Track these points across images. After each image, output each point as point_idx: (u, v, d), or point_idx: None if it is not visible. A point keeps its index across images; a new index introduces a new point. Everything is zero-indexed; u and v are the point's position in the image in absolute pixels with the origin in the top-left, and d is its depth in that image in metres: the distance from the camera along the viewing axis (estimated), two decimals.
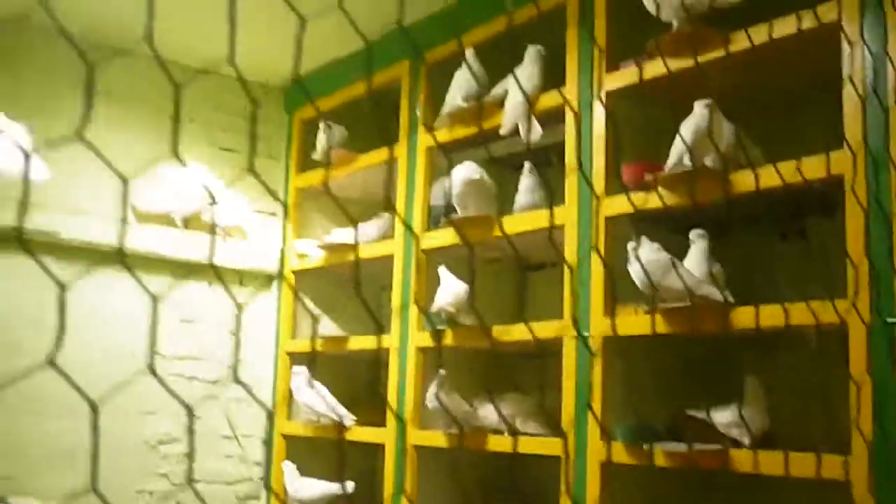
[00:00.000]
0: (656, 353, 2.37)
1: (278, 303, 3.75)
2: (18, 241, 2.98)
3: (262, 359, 3.72)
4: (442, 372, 2.71)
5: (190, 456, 3.67)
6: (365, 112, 3.47)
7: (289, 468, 3.32)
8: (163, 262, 3.48)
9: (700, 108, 2.12)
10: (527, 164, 2.77)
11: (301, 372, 3.35)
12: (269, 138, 3.85)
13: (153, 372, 0.68)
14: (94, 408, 0.63)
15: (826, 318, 1.82)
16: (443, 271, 2.81)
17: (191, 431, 3.64)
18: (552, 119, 2.60)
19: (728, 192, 2.06)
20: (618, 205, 2.32)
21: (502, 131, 2.63)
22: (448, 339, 2.80)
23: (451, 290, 2.77)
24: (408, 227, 3.06)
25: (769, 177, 1.92)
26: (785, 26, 1.98)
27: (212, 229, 3.66)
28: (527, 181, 2.76)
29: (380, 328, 3.29)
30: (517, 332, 2.58)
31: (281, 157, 3.86)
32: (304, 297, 3.65)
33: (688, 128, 2.13)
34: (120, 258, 3.33)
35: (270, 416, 3.76)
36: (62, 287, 0.58)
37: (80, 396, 0.61)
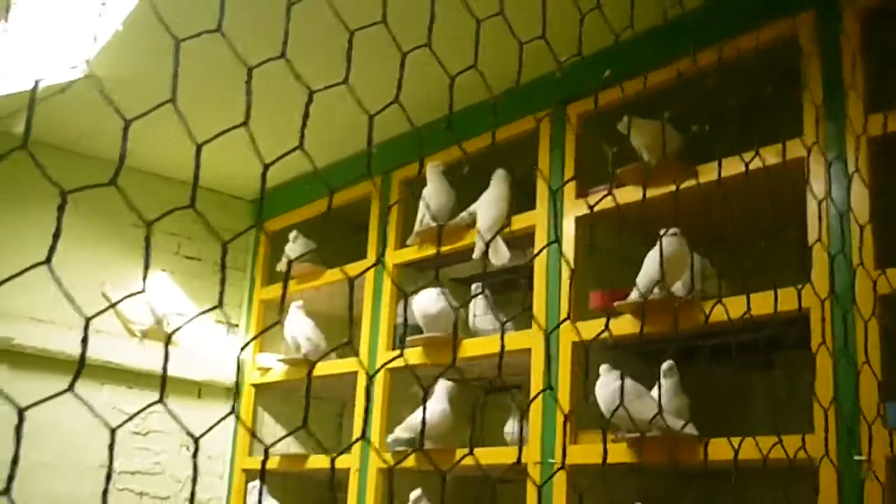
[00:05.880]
0: (627, 483, 2.30)
1: (236, 417, 3.64)
2: None
3: (216, 475, 3.59)
4: (417, 492, 2.63)
5: None
6: (335, 227, 3.46)
7: None
8: (119, 371, 3.39)
9: (666, 238, 2.12)
10: (476, 287, 2.78)
11: (256, 487, 3.24)
12: (235, 249, 3.79)
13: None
14: None
15: (796, 453, 1.78)
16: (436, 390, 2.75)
17: None
18: (522, 241, 2.59)
19: (692, 322, 2.04)
20: (583, 331, 2.30)
21: (474, 255, 2.63)
22: (409, 462, 2.72)
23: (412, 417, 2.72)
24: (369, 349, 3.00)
25: (733, 309, 1.90)
26: (753, 161, 2.00)
27: (169, 339, 3.57)
28: (482, 304, 2.75)
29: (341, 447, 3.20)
30: (478, 457, 2.51)
31: (247, 269, 3.81)
32: (263, 411, 3.56)
33: (653, 257, 2.13)
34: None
35: None
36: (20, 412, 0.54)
37: None
